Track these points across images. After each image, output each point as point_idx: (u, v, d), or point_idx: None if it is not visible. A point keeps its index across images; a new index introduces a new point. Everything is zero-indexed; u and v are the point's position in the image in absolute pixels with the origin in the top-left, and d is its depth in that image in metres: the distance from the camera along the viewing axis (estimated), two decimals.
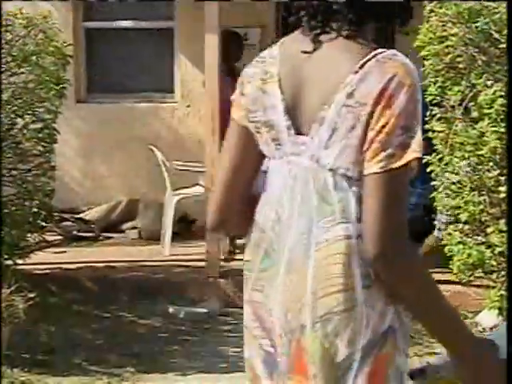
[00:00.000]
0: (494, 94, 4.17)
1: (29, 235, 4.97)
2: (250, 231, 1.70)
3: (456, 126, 4.32)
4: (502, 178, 4.23)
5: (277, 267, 1.62)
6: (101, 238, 6.80)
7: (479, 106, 4.23)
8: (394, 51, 1.55)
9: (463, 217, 4.38)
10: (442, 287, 1.59)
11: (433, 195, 4.65)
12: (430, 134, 4.38)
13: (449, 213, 4.65)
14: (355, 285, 1.55)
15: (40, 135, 4.90)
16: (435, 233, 5.45)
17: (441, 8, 4.39)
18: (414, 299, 1.54)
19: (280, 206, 1.62)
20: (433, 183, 4.63)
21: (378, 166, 1.50)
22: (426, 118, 4.36)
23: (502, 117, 4.11)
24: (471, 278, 4.52)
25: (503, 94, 4.07)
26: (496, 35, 4.23)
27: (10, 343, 4.15)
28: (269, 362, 1.68)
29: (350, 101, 1.53)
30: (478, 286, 4.93)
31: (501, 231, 4.24)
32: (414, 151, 1.51)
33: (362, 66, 1.53)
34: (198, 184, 6.21)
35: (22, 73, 4.83)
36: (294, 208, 1.60)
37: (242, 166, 1.70)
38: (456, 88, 4.34)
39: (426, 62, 4.40)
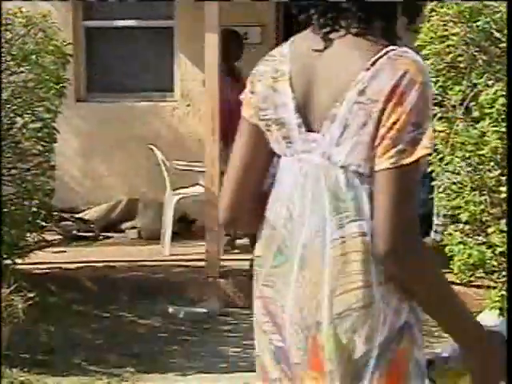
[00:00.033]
0: (495, 93, 4.16)
1: (28, 235, 4.96)
2: (260, 228, 1.72)
3: (457, 125, 4.31)
4: (503, 178, 4.22)
5: (290, 264, 1.63)
6: (100, 237, 6.79)
7: (480, 105, 4.23)
8: (404, 48, 1.57)
9: (464, 217, 4.37)
10: None
11: (431, 196, 4.64)
12: None
13: (449, 213, 4.64)
14: (372, 282, 1.56)
15: (39, 134, 4.89)
16: (432, 235, 5.45)
17: (442, 7, 4.38)
18: (425, 294, 1.57)
19: (291, 204, 1.64)
20: (433, 183, 4.62)
21: (389, 162, 1.52)
22: None
23: (503, 116, 4.10)
24: (472, 279, 4.51)
25: (504, 93, 4.06)
26: (497, 34, 4.23)
27: (9, 343, 4.14)
28: (279, 356, 1.68)
29: (361, 98, 1.55)
30: (479, 287, 4.92)
31: (502, 231, 4.23)
32: (425, 147, 1.53)
33: (373, 64, 1.55)
34: (197, 184, 6.20)
35: (22, 72, 4.82)
36: (306, 205, 1.62)
37: (253, 164, 1.72)
38: (457, 87, 4.33)
39: (426, 62, 4.39)
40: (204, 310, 5.22)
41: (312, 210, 1.61)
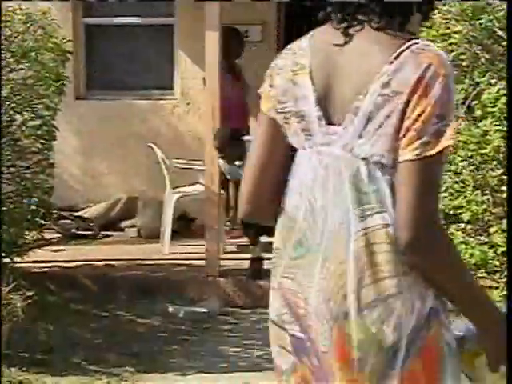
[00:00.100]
0: (497, 92, 4.14)
1: (27, 233, 4.94)
2: (278, 220, 1.75)
3: (459, 124, 4.28)
4: (506, 178, 4.19)
5: (311, 256, 1.66)
6: (100, 236, 6.77)
7: (482, 104, 4.20)
8: (426, 42, 1.62)
9: (466, 216, 4.35)
10: None
11: None
12: None
13: (451, 212, 4.62)
14: (399, 271, 1.60)
15: (39, 132, 4.87)
16: None
17: (444, 5, 4.35)
18: (446, 283, 1.61)
19: (312, 196, 1.67)
20: None
21: (414, 153, 1.56)
22: None
23: (505, 115, 4.08)
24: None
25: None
26: (500, 32, 4.20)
27: (8, 342, 4.12)
28: (298, 347, 1.70)
29: (385, 90, 1.59)
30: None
31: (504, 231, 4.21)
32: (449, 139, 1.57)
33: (396, 57, 1.59)
34: (197, 182, 6.19)
35: (21, 69, 4.80)
36: (328, 198, 1.64)
37: (271, 158, 1.75)
38: (459, 86, 4.30)
39: None
40: (204, 310, 5.20)
41: (334, 202, 1.63)
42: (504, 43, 4.21)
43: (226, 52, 5.90)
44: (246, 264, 5.61)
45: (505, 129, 4.07)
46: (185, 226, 6.73)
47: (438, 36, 4.37)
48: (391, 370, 1.60)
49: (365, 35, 1.64)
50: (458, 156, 4.35)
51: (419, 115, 1.56)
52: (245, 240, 5.78)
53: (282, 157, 1.75)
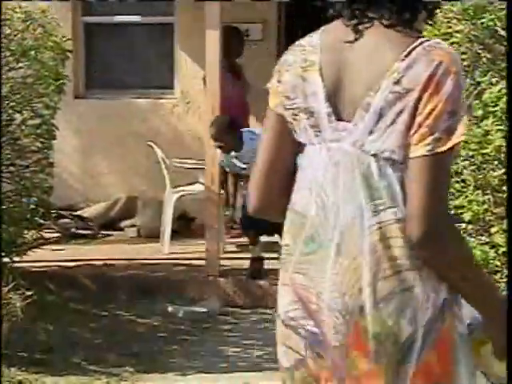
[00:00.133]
0: (499, 91, 4.12)
1: (26, 232, 4.93)
2: (286, 216, 1.76)
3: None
4: (506, 177, 4.18)
5: (323, 251, 1.67)
6: (99, 235, 6.76)
7: (484, 103, 4.19)
8: (437, 40, 1.65)
9: (467, 216, 4.33)
10: None
11: None
12: None
13: (452, 212, 4.61)
14: (413, 265, 1.62)
15: (38, 131, 4.86)
16: None
17: (446, 4, 4.34)
18: (456, 277, 1.64)
19: (323, 192, 1.68)
20: None
21: (425, 149, 1.58)
22: None
23: (507, 115, 4.06)
24: None
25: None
26: (502, 32, 4.19)
27: (7, 342, 4.11)
28: (311, 341, 1.71)
29: (397, 87, 1.61)
30: None
31: (505, 231, 4.19)
32: (460, 135, 1.60)
33: (407, 54, 1.61)
34: (197, 182, 6.17)
35: (21, 68, 4.78)
36: (339, 194, 1.66)
37: (279, 154, 1.77)
38: None
39: None
40: (204, 310, 5.19)
41: (346, 198, 1.65)
42: (506, 43, 4.20)
43: (227, 51, 5.89)
44: (246, 264, 5.60)
45: (507, 128, 4.06)
46: (185, 226, 6.72)
47: (440, 35, 4.35)
48: (407, 363, 1.62)
49: (375, 32, 1.66)
50: (459, 156, 4.33)
51: (431, 112, 1.58)
52: (245, 240, 5.77)
53: (290, 153, 1.76)
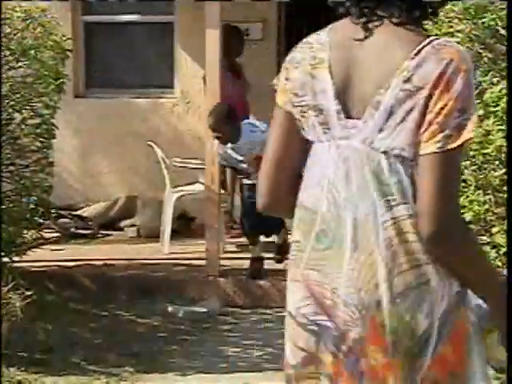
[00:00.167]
0: (500, 91, 4.12)
1: (26, 232, 4.91)
2: (295, 213, 1.77)
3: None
4: (507, 178, 4.17)
5: (337, 247, 1.69)
6: (99, 235, 6.74)
7: (485, 103, 4.18)
8: (446, 38, 1.72)
9: (468, 216, 4.32)
10: None
11: None
12: None
13: None
14: (428, 259, 1.64)
15: (38, 130, 4.85)
16: None
17: (447, 4, 4.33)
18: (466, 271, 1.67)
19: (334, 188, 1.70)
20: None
21: (436, 146, 1.61)
22: None
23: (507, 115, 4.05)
24: None
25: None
26: (503, 31, 4.18)
27: (6, 341, 4.10)
28: (323, 336, 1.72)
29: (407, 85, 1.63)
30: None
31: (506, 231, 4.19)
32: (469, 132, 1.62)
33: (417, 52, 1.63)
34: (197, 181, 6.16)
35: (20, 67, 4.77)
36: (351, 190, 1.68)
37: (287, 151, 1.78)
38: None
39: None
40: (204, 310, 5.18)
41: (359, 194, 1.67)
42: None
43: (227, 50, 5.87)
44: (246, 264, 5.59)
45: (506, 128, 4.05)
46: (185, 226, 6.71)
47: (441, 35, 4.33)
48: (423, 356, 1.65)
49: (384, 30, 1.67)
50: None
51: (441, 109, 1.60)
52: (245, 240, 5.75)
53: (298, 150, 1.77)
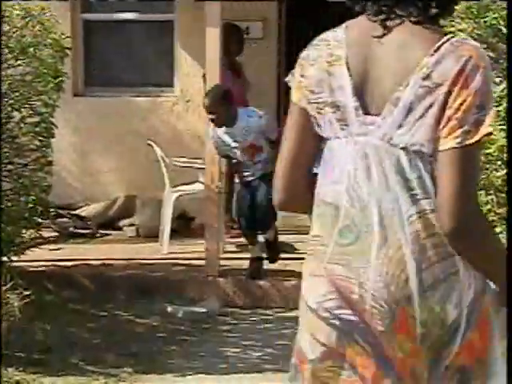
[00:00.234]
0: (502, 91, 4.09)
1: (24, 231, 4.89)
2: (314, 209, 1.80)
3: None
4: (507, 178, 4.15)
5: (364, 242, 1.71)
6: (98, 235, 6.72)
7: None
8: (463, 36, 1.77)
9: None
10: None
11: None
12: None
13: None
14: (454, 251, 1.68)
15: (37, 129, 4.82)
16: None
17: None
18: (485, 267, 1.71)
19: (356, 184, 1.73)
20: None
21: (455, 141, 1.65)
22: None
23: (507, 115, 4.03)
24: None
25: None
26: (505, 30, 4.15)
27: (4, 341, 4.07)
28: (346, 330, 1.74)
29: (426, 82, 1.67)
30: None
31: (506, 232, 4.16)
32: (487, 127, 1.66)
33: (436, 50, 1.68)
34: (197, 181, 6.14)
35: (19, 65, 4.74)
36: (374, 185, 1.71)
37: (302, 147, 1.81)
38: None
39: None
40: (203, 310, 5.16)
41: (382, 189, 1.70)
42: None
43: (227, 49, 5.85)
44: (246, 264, 5.57)
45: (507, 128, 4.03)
46: (184, 225, 6.68)
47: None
48: (452, 344, 1.70)
49: (405, 29, 1.71)
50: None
51: (460, 105, 1.64)
52: (244, 240, 5.73)
53: (313, 147, 1.81)
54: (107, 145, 7.07)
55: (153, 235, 6.37)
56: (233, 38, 6.23)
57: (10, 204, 4.72)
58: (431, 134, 1.66)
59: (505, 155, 4.16)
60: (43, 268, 5.53)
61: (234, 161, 5.52)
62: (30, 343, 4.46)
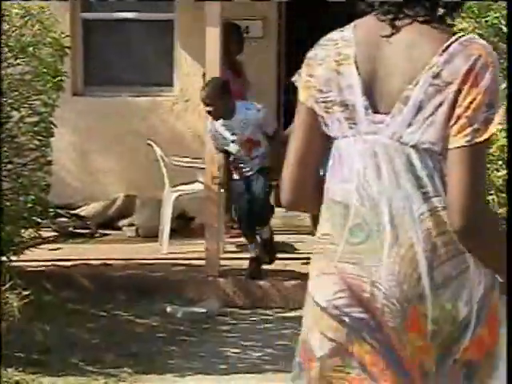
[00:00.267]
0: (503, 90, 4.08)
1: (23, 231, 4.88)
2: (324, 207, 1.81)
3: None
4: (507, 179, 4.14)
5: (375, 240, 1.72)
6: (97, 234, 6.71)
7: None
8: (471, 35, 1.75)
9: None
10: None
11: None
12: None
13: None
14: (464, 249, 1.69)
15: (36, 129, 4.81)
16: None
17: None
18: (494, 264, 1.72)
19: (365, 182, 1.74)
20: None
21: (465, 139, 1.66)
22: None
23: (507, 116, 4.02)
24: None
25: None
26: (506, 30, 4.14)
27: (4, 342, 4.05)
28: (356, 327, 1.75)
29: (436, 80, 1.69)
30: None
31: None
32: (495, 125, 1.69)
33: (445, 49, 1.70)
34: (197, 181, 6.12)
35: (19, 64, 4.72)
36: (384, 184, 1.72)
37: (310, 147, 1.83)
38: None
39: None
40: (203, 310, 5.15)
41: (392, 188, 1.71)
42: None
43: (227, 48, 5.84)
44: (246, 264, 5.55)
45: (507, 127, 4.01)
46: (184, 225, 6.67)
47: None
48: (462, 340, 1.72)
49: (413, 28, 1.73)
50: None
51: (470, 104, 1.66)
52: (244, 239, 5.72)
53: (320, 146, 1.83)
54: (107, 144, 7.06)
55: (152, 235, 6.35)
56: (233, 37, 6.21)
57: (9, 203, 4.70)
58: (441, 132, 1.68)
59: (506, 155, 4.15)
60: (42, 268, 5.51)
61: (231, 158, 5.50)
62: (30, 343, 4.45)
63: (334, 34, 1.81)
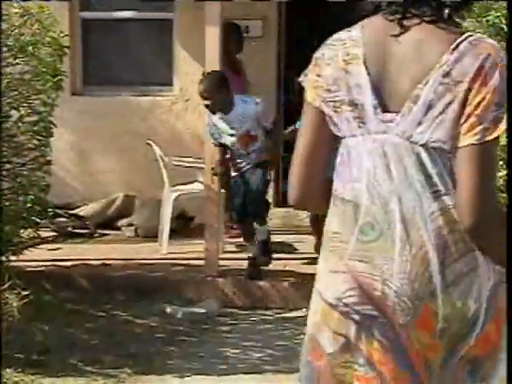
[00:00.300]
0: None
1: (22, 231, 4.86)
2: (332, 206, 1.82)
3: None
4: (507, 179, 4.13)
5: (387, 239, 1.73)
6: (96, 234, 6.69)
7: None
8: (480, 34, 1.76)
9: None
10: None
11: None
12: None
13: None
14: (474, 246, 1.71)
15: (35, 128, 4.79)
16: None
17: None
18: (502, 256, 1.73)
19: (375, 181, 1.75)
20: None
21: (475, 138, 1.68)
22: None
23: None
24: None
25: None
26: (507, 29, 4.14)
27: (3, 342, 4.04)
28: (366, 325, 1.76)
29: (446, 79, 1.71)
30: None
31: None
32: (504, 124, 1.70)
33: (455, 48, 1.71)
34: (196, 181, 6.11)
35: (18, 63, 4.71)
36: (394, 183, 1.73)
37: (317, 146, 1.84)
38: None
39: None
40: (202, 310, 5.14)
41: (403, 187, 1.73)
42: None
43: (226, 48, 5.83)
44: (246, 264, 5.54)
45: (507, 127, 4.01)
46: (183, 225, 6.66)
47: None
48: (469, 337, 1.74)
49: (421, 28, 1.74)
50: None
51: (480, 102, 1.68)
52: (243, 240, 5.71)
53: (329, 144, 1.84)
54: (106, 144, 7.04)
55: (151, 235, 6.34)
56: (232, 36, 6.21)
57: (8, 203, 4.69)
58: (451, 130, 1.69)
59: (505, 155, 4.14)
60: (41, 268, 5.50)
61: (228, 156, 5.48)
62: (29, 344, 4.44)
63: (342, 34, 1.82)
